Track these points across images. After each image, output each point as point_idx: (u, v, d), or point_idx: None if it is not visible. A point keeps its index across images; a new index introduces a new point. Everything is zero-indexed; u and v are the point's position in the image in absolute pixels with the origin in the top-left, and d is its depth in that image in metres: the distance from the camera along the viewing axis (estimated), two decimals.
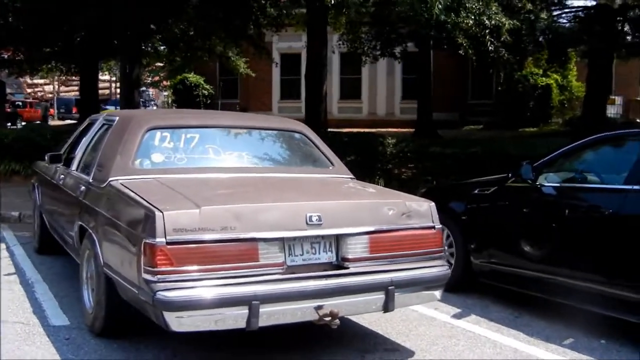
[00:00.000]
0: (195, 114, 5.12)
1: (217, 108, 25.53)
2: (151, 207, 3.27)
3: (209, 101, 26.10)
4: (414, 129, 19.43)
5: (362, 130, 15.21)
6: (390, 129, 23.13)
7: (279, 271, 3.35)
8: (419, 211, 3.83)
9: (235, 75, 25.44)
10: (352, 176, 4.65)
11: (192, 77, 25.77)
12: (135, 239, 3.30)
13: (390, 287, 3.52)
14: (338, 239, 3.55)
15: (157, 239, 3.15)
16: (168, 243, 3.15)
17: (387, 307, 3.54)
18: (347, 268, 3.54)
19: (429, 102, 18.65)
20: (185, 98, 25.23)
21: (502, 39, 11.14)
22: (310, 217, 3.45)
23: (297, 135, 4.75)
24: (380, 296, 3.51)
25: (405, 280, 3.60)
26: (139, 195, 3.50)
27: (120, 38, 12.69)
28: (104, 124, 4.91)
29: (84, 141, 5.05)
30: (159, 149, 4.20)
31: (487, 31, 10.79)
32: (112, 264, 3.61)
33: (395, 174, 9.66)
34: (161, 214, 3.18)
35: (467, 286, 5.12)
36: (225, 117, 4.86)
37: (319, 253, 3.52)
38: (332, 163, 4.65)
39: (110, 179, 3.95)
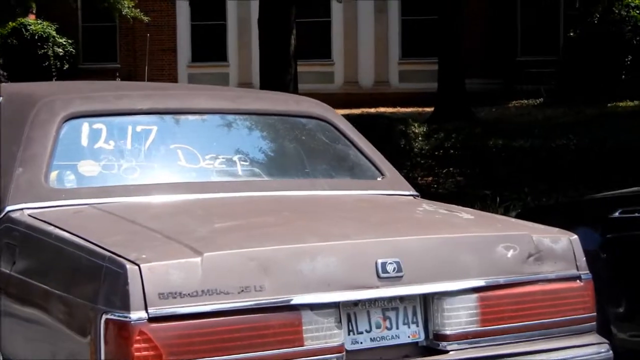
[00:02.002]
0: (146, 89, 5.15)
1: (78, 75, 25.41)
2: (114, 256, 3.25)
3: (65, 66, 25.96)
4: (432, 108, 19.66)
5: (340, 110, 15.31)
6: (381, 109, 23.41)
7: None
8: (554, 250, 3.92)
9: (112, 21, 25.23)
10: (414, 192, 4.74)
11: (36, 25, 25.64)
12: (83, 314, 3.28)
13: None
14: (426, 301, 3.63)
15: (132, 313, 3.14)
16: (152, 319, 3.15)
17: None
18: (446, 352, 3.61)
19: (459, 60, 18.92)
20: (23, 61, 25.02)
21: None
22: (384, 265, 3.51)
23: (315, 124, 4.81)
24: None
25: None
26: (78, 236, 3.50)
27: None
28: None
29: None
30: (89, 152, 4.22)
31: None
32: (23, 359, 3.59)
33: (429, 182, 9.78)
34: (136, 267, 3.18)
35: None
36: (198, 95, 4.94)
37: (397, 327, 3.59)
38: (380, 171, 4.73)
39: (9, 208, 3.92)
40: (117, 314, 3.15)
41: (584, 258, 4.00)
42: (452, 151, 10.94)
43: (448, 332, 3.61)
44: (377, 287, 3.48)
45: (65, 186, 4.07)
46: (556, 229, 4.11)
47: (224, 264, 3.29)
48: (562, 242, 3.96)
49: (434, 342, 3.61)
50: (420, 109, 21.95)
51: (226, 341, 3.24)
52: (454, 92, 18.89)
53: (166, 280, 3.19)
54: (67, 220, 3.74)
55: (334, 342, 3.41)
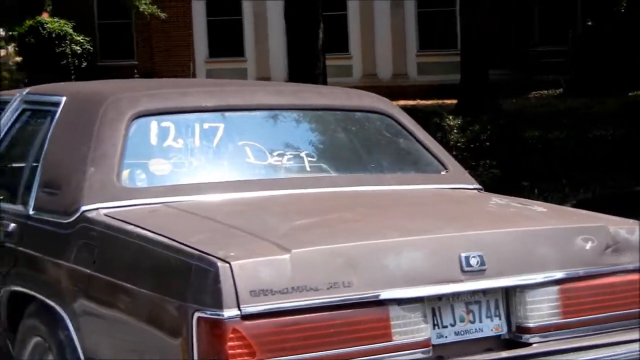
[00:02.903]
0: (208, 86, 5.18)
1: (96, 73, 25.43)
2: (203, 254, 3.25)
3: (83, 63, 25.99)
4: (452, 100, 19.63)
5: None
6: (401, 102, 23.35)
7: (422, 356, 3.44)
8: (631, 242, 3.92)
9: (128, 18, 25.24)
10: (478, 185, 4.75)
11: (53, 23, 25.63)
12: (173, 313, 3.29)
13: None
14: (508, 294, 3.65)
15: (225, 311, 3.14)
16: (244, 317, 3.16)
17: None
18: (529, 345, 3.62)
19: (481, 51, 18.89)
20: (41, 59, 25.05)
21: None
22: (467, 259, 3.52)
23: (377, 118, 4.82)
24: None
25: None
26: (161, 235, 3.50)
27: None
28: (29, 110, 4.90)
29: None
30: (158, 150, 4.22)
31: None
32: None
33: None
34: (227, 265, 3.17)
35: None
36: (260, 91, 4.92)
37: (480, 320, 3.62)
38: (444, 165, 4.74)
39: (84, 208, 3.92)
40: (209, 312, 3.16)
41: None
42: (487, 143, 10.89)
43: (531, 325, 3.63)
44: (462, 280, 3.50)
45: (137, 185, 4.08)
46: (630, 220, 4.09)
47: (311, 261, 3.30)
48: (638, 232, 3.94)
49: (517, 334, 3.63)
50: (440, 101, 21.91)
51: (317, 337, 3.25)
52: (478, 84, 18.86)
53: (256, 278, 3.19)
54: (146, 219, 3.73)
55: (421, 337, 3.43)
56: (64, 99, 4.55)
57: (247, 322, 3.15)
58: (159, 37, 26.53)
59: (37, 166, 4.45)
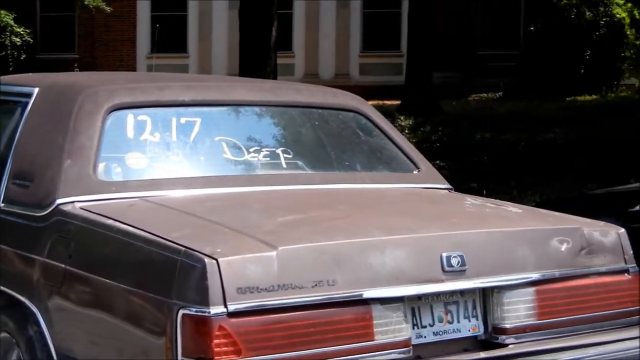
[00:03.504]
0: (186, 80, 5.11)
1: (36, 65, 25.04)
2: (189, 250, 3.21)
3: (23, 56, 25.50)
4: (393, 101, 19.70)
5: None
6: None
7: (402, 356, 3.43)
8: (604, 244, 3.97)
9: (71, 10, 24.88)
10: (448, 185, 4.77)
11: None
12: (155, 310, 3.24)
13: None
14: (485, 295, 3.67)
15: (212, 308, 3.11)
16: (231, 315, 3.13)
17: None
18: (505, 346, 3.64)
19: (427, 54, 18.99)
20: None
21: None
22: (449, 259, 3.53)
23: (352, 116, 4.82)
24: None
25: None
26: (143, 230, 3.44)
27: None
28: None
29: None
30: (134, 144, 4.16)
31: None
32: (90, 358, 3.52)
33: None
34: (214, 261, 3.14)
35: None
36: (237, 86, 4.89)
37: (458, 321, 3.63)
38: (416, 164, 4.75)
39: (59, 201, 3.84)
40: (195, 309, 3.12)
41: (632, 251, 4.03)
42: (437, 144, 10.96)
43: (507, 326, 3.65)
44: (443, 280, 3.51)
45: (114, 179, 4.01)
46: (602, 223, 4.14)
47: (298, 258, 3.28)
48: (611, 235, 3.99)
49: (493, 335, 3.64)
50: (381, 102, 21.95)
51: (301, 336, 3.24)
52: (421, 85, 18.95)
53: (244, 275, 3.17)
54: (124, 213, 3.67)
55: (402, 337, 3.43)
56: (36, 89, 4.44)
57: (234, 320, 3.12)
58: (100, 30, 26.22)
59: (5, 157, 4.34)
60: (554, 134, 11.28)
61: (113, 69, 23.97)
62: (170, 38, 26.16)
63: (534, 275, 3.70)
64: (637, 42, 21.74)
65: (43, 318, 3.71)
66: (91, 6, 21.08)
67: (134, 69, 25.86)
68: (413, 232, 3.65)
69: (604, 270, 3.90)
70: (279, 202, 4.04)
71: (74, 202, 3.82)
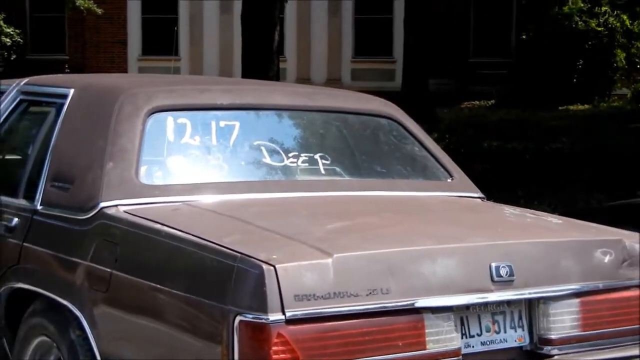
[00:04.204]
0: (224, 84, 5.09)
1: (26, 66, 24.90)
2: (245, 256, 3.18)
3: (13, 56, 25.34)
4: None
5: None
6: None
7: None
8: None
9: (62, 11, 24.74)
10: (481, 194, 4.76)
11: None
12: (209, 316, 3.22)
13: None
14: (531, 305, 3.67)
15: (270, 315, 3.09)
16: (288, 322, 3.11)
17: None
18: (550, 357, 3.65)
19: (423, 61, 19.02)
20: None
21: None
22: (498, 269, 3.53)
23: (385, 123, 4.83)
24: None
25: None
26: (194, 235, 3.42)
27: None
28: (27, 102, 4.76)
29: None
30: (175, 147, 4.15)
31: None
32: None
33: None
34: (272, 268, 3.12)
35: None
36: (276, 91, 4.88)
37: (504, 331, 3.64)
38: (449, 172, 4.75)
39: (103, 204, 3.81)
40: (252, 316, 3.10)
41: None
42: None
43: (553, 337, 3.65)
44: (491, 290, 3.51)
45: (156, 182, 3.99)
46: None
47: (353, 266, 3.27)
48: None
49: (539, 346, 3.65)
50: None
51: (355, 344, 3.22)
52: (418, 92, 18.97)
53: (300, 282, 3.15)
54: (171, 218, 3.65)
55: (453, 346, 3.42)
56: (71, 91, 4.41)
57: (291, 327, 3.11)
58: (91, 32, 26.11)
59: (41, 159, 4.32)
60: (561, 144, 11.28)
61: (104, 71, 23.90)
62: (161, 40, 26.10)
63: (579, 287, 3.71)
64: (632, 50, 21.87)
65: (87, 322, 3.68)
66: (82, 8, 20.96)
67: (125, 71, 25.77)
68: (462, 242, 3.65)
69: None
70: (323, 208, 4.04)
71: (117, 206, 3.80)
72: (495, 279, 3.50)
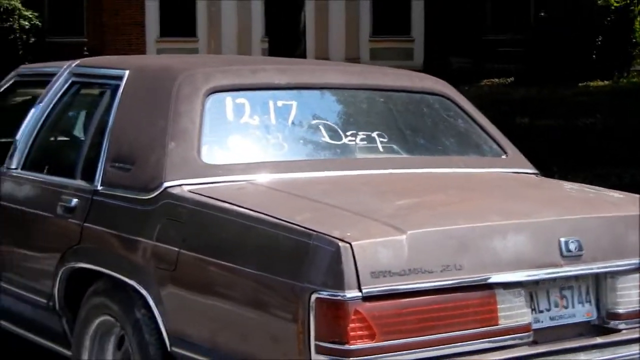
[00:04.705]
0: (278, 63, 5.08)
1: (45, 49, 24.95)
2: (320, 234, 3.18)
3: (32, 39, 25.43)
4: None
5: None
6: None
7: (523, 341, 3.43)
8: None
9: None
10: (536, 170, 4.75)
11: None
12: (284, 294, 3.22)
13: None
14: (598, 280, 3.67)
15: (347, 292, 3.09)
16: (365, 298, 3.11)
17: None
18: (618, 331, 3.64)
19: (444, 38, 18.97)
20: None
21: None
22: (567, 243, 3.53)
23: (438, 100, 4.82)
24: None
25: None
26: (264, 213, 3.43)
27: None
28: (79, 83, 4.77)
29: (32, 118, 4.80)
30: (235, 127, 4.15)
31: None
32: (208, 341, 3.50)
33: None
34: (348, 245, 3.12)
35: None
36: (327, 69, 4.93)
37: (573, 306, 3.64)
38: (503, 149, 4.75)
39: (167, 184, 3.82)
40: (329, 293, 3.10)
41: None
42: None
43: (620, 311, 3.64)
44: (561, 265, 3.51)
45: (218, 162, 3.98)
46: None
47: (426, 242, 3.28)
48: None
49: (606, 320, 3.64)
50: None
51: (430, 320, 3.23)
52: (441, 70, 18.86)
53: (376, 259, 3.15)
54: (238, 196, 3.66)
55: (524, 321, 3.42)
56: (127, 72, 4.41)
57: (368, 304, 3.11)
58: (109, 14, 26.09)
59: (98, 141, 4.34)
60: (594, 119, 11.22)
61: (122, 53, 23.81)
62: (179, 22, 26.08)
63: None
64: None
65: (153, 300, 3.69)
66: None
67: (143, 53, 25.74)
68: (531, 217, 3.64)
69: None
70: (388, 186, 4.03)
71: (181, 185, 3.80)
72: (565, 253, 3.50)
